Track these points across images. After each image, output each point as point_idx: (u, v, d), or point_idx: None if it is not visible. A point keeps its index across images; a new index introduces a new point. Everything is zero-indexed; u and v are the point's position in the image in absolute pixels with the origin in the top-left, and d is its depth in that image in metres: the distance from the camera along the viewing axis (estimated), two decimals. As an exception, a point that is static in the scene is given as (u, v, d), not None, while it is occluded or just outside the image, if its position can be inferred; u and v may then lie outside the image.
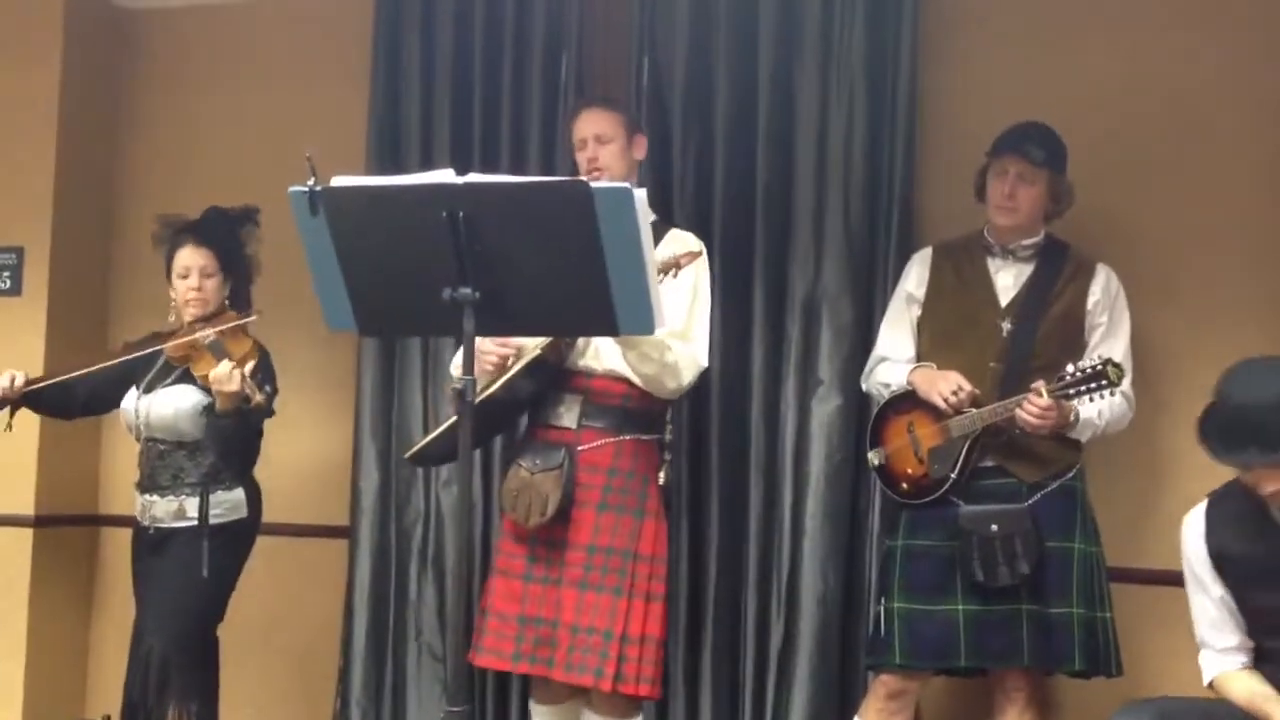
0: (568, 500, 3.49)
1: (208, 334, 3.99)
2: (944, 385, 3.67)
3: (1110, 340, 3.73)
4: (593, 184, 2.70)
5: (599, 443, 3.54)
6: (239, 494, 4.06)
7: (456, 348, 3.60)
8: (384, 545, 4.68)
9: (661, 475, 3.68)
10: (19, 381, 4.06)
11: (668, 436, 3.73)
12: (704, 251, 3.61)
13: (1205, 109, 4.13)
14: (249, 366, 3.84)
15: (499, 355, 3.50)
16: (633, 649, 3.43)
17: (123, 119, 5.27)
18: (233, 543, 4.06)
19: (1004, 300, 3.77)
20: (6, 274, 5.03)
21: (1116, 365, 3.47)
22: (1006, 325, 3.74)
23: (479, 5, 4.65)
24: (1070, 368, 3.50)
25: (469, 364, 2.75)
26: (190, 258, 4.11)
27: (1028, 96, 4.21)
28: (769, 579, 4.28)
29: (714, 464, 4.34)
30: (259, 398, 3.81)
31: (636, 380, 3.55)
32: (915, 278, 3.92)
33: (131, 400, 4.13)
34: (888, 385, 3.86)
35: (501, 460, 3.69)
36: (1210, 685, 3.24)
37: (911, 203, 4.25)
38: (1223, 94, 4.11)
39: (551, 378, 3.56)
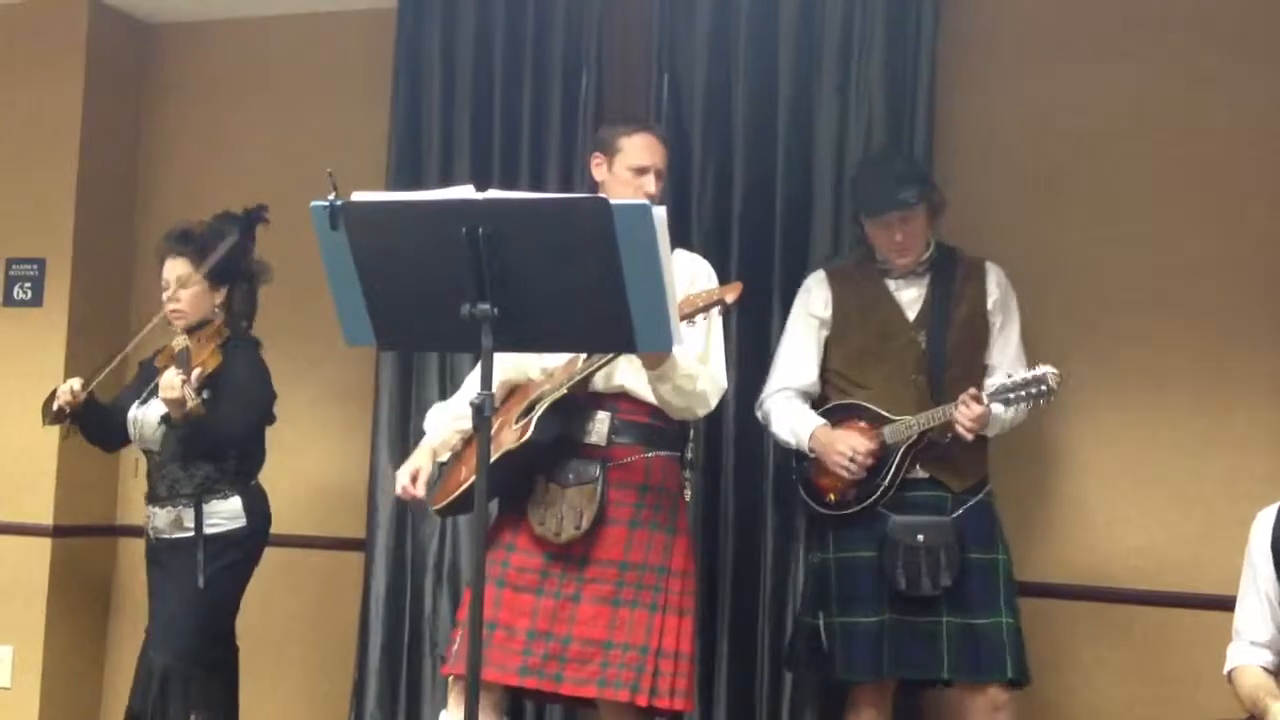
0: (602, 515, 3.46)
1: (181, 341, 3.99)
2: (838, 456, 3.71)
3: (1003, 336, 3.82)
4: (612, 201, 2.70)
5: (629, 459, 3.52)
6: (235, 503, 4.03)
7: (474, 364, 3.59)
8: (400, 558, 4.69)
9: (687, 492, 3.68)
10: (77, 387, 4.04)
11: (689, 454, 3.72)
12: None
13: (1218, 134, 4.12)
14: (194, 374, 3.82)
15: None
16: (667, 663, 3.42)
17: (144, 132, 5.30)
18: (231, 552, 4.03)
19: (911, 315, 3.81)
20: (28, 285, 5.06)
21: (1056, 372, 3.52)
22: (922, 337, 3.78)
23: (500, 23, 4.68)
24: (1014, 378, 3.54)
25: (487, 379, 2.76)
26: (168, 270, 4.09)
27: (1042, 119, 4.23)
28: (784, 596, 4.27)
29: (729, 481, 4.35)
30: (191, 404, 3.77)
31: (666, 410, 3.51)
32: (820, 299, 3.93)
33: (132, 412, 4.14)
34: (789, 442, 3.88)
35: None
36: (1229, 676, 3.23)
37: (929, 222, 4.26)
38: (1237, 119, 4.12)
39: (578, 407, 3.52)
